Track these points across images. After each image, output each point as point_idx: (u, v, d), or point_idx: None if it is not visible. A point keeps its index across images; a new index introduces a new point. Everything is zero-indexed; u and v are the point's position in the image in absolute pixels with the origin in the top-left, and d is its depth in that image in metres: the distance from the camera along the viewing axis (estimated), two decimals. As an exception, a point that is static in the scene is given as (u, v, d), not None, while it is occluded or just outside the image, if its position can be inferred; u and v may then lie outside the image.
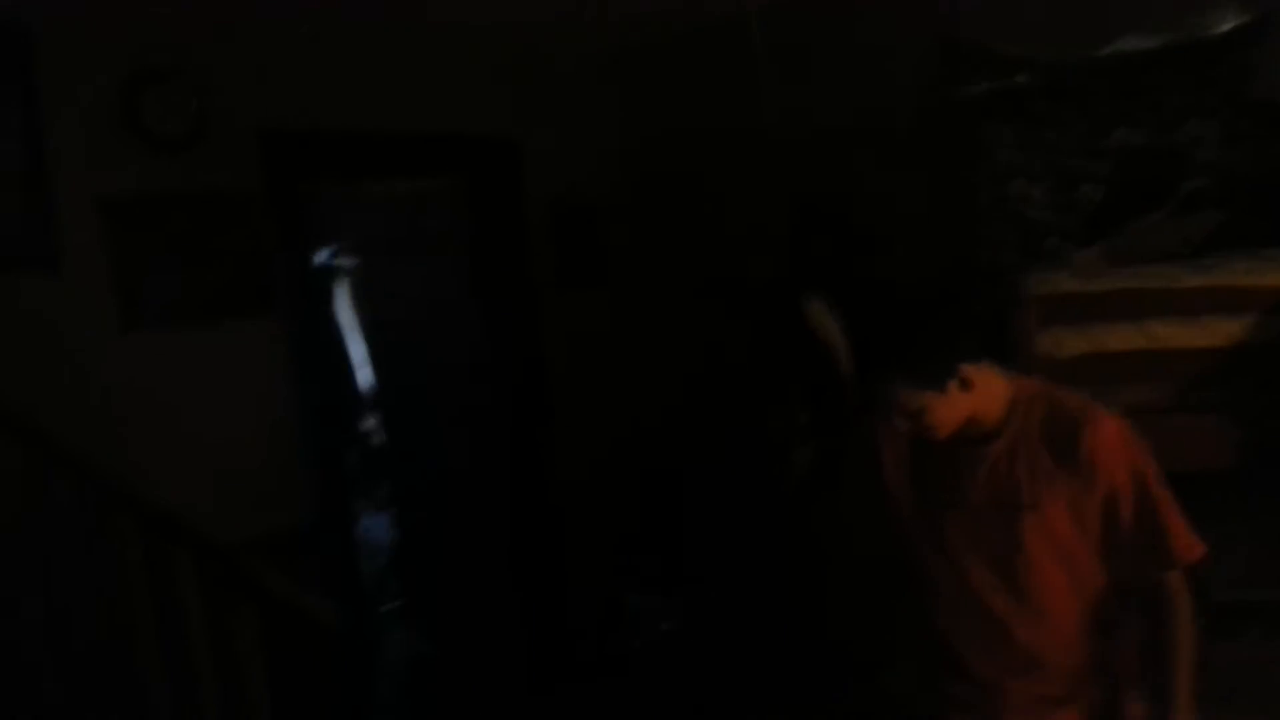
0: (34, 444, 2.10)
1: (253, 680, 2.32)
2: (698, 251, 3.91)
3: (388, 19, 3.32)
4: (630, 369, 4.02)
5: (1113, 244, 2.48)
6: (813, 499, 3.04)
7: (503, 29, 3.50)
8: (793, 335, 3.13)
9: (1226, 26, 2.78)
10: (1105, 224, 2.63)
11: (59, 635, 2.11)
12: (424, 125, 3.62)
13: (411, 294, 4.48)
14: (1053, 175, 3.16)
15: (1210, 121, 2.82)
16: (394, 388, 4.73)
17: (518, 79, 3.85)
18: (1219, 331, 2.13)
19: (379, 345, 4.89)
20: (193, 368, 3.00)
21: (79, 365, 2.77)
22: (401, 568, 4.73)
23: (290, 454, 3.19)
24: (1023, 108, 3.17)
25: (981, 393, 1.67)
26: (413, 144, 3.67)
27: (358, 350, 5.13)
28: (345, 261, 5.10)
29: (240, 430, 3.07)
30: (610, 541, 3.87)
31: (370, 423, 5.12)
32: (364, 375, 5.11)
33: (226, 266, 3.10)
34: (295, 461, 3.19)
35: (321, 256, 4.90)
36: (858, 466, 1.92)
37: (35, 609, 2.12)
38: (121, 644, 2.21)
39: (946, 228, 3.30)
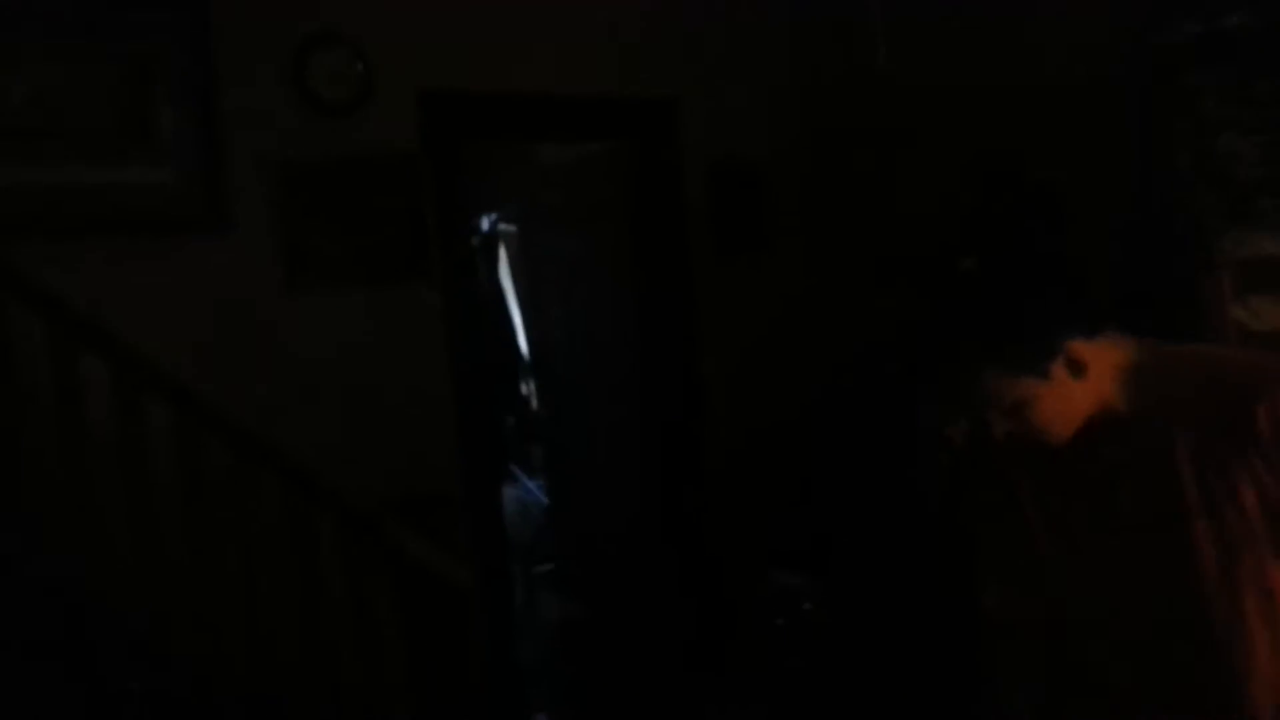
0: (186, 404, 2.20)
1: (389, 639, 2.40)
2: (866, 218, 3.74)
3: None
4: (788, 342, 3.90)
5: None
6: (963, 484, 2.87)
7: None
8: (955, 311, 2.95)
9: None
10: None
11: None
12: (583, 88, 3.60)
13: (569, 262, 4.50)
14: (1268, 129, 2.84)
15: None
16: (552, 355, 4.79)
17: (677, 35, 3.77)
18: None
19: (537, 313, 4.95)
20: (354, 330, 3.09)
21: (245, 326, 2.91)
22: (554, 532, 4.80)
23: (447, 418, 3.25)
24: (1235, 53, 2.86)
25: (1102, 375, 1.33)
26: (571, 106, 3.66)
27: (515, 317, 5.22)
28: (506, 228, 5.18)
29: (399, 394, 3.15)
30: (760, 518, 3.78)
31: (527, 388, 5.21)
32: (521, 341, 5.20)
33: (389, 230, 3.18)
34: (452, 425, 3.26)
35: (482, 223, 5.01)
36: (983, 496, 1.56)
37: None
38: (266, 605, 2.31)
39: (1145, 191, 3.03)
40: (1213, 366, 1.36)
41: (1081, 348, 1.30)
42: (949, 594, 3.15)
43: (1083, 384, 1.31)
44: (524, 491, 5.48)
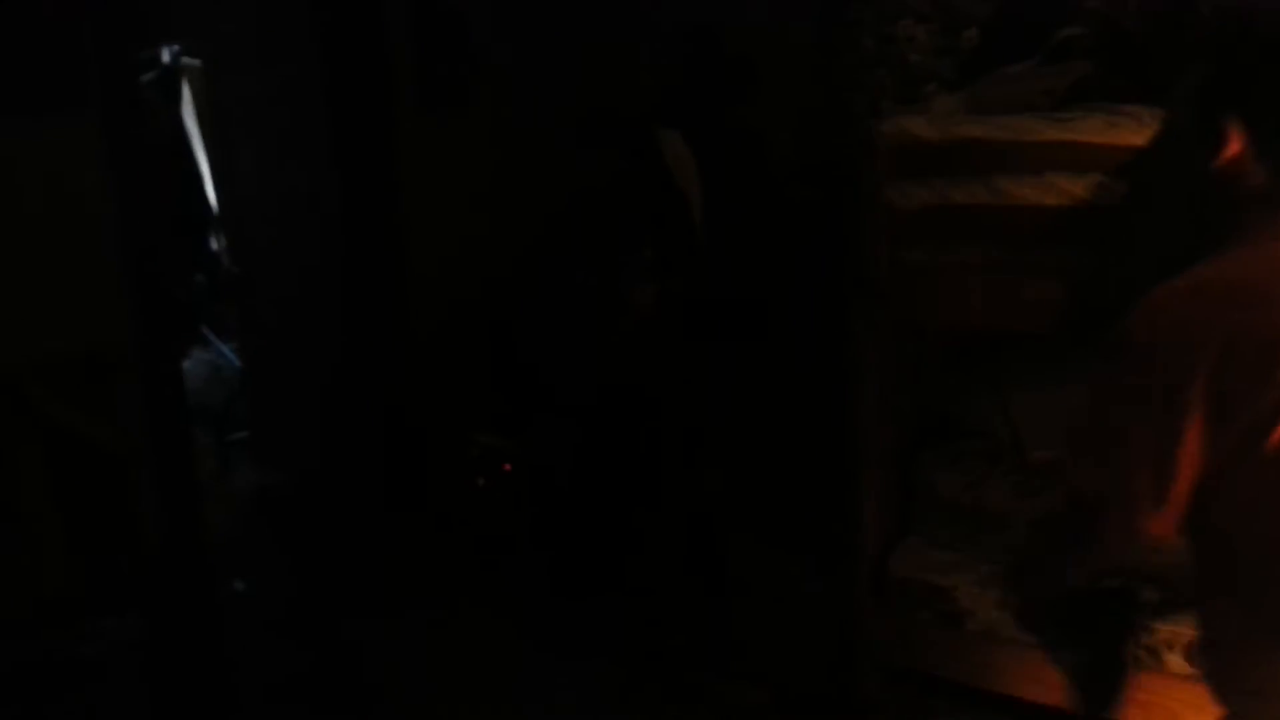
0: None
1: (46, 512, 2.28)
2: (570, 75, 3.74)
3: None
4: (497, 200, 3.89)
5: (976, 91, 2.44)
6: (653, 341, 3.06)
7: None
8: (650, 172, 3.07)
9: None
10: (977, 70, 2.57)
11: None
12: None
13: (261, 105, 4.22)
14: (940, 15, 3.08)
15: (1102, -33, 2.76)
16: (244, 208, 4.51)
17: None
18: (1064, 190, 2.12)
19: (227, 161, 4.63)
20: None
21: None
22: (249, 398, 4.63)
23: (112, 274, 3.02)
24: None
25: None
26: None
27: (203, 164, 4.86)
28: (190, 62, 4.77)
29: (49, 245, 2.88)
30: (465, 382, 3.84)
31: (218, 244, 4.92)
32: (211, 192, 4.86)
33: (44, 57, 2.84)
34: (115, 283, 3.03)
35: (162, 54, 4.58)
36: None
37: None
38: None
39: (830, 70, 3.22)
40: None
41: None
42: (639, 455, 3.39)
43: None
44: (216, 355, 5.23)
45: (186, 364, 4.57)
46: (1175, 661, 2.23)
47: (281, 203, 4.26)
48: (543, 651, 3.06)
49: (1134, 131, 2.11)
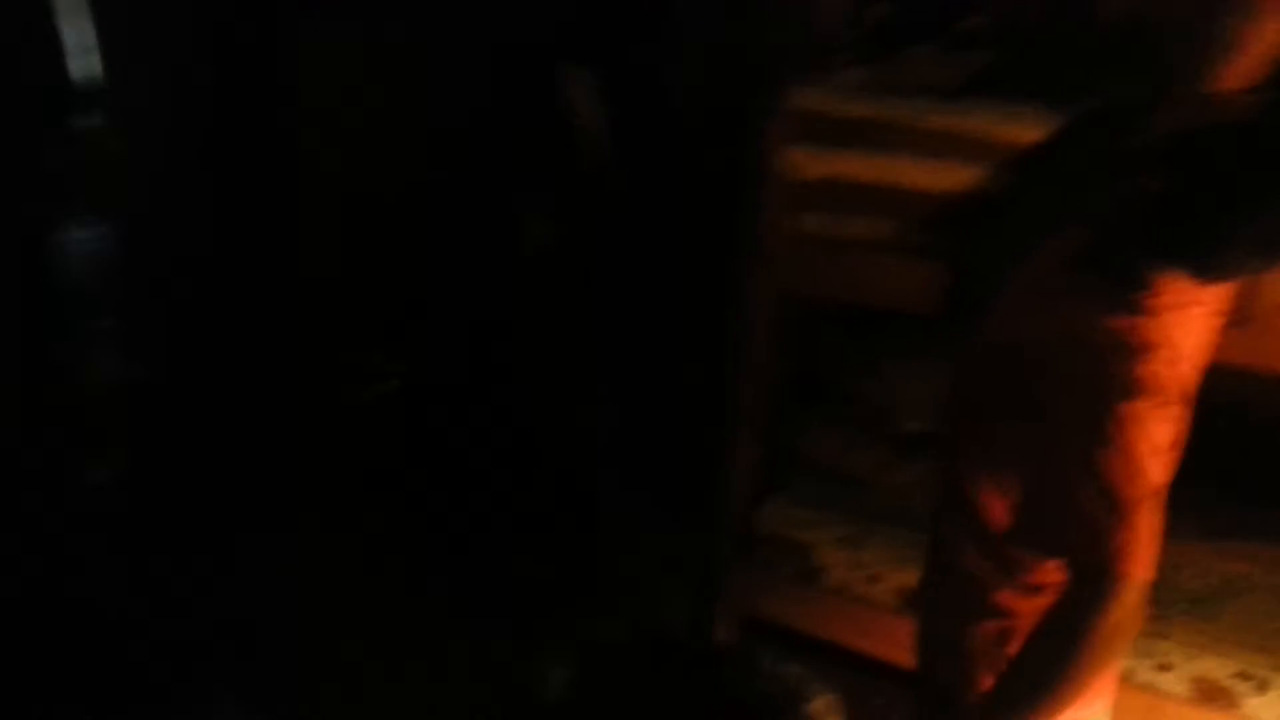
0: None
1: None
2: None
3: None
4: (384, 110, 3.81)
5: (881, 69, 2.52)
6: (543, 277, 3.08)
7: None
8: (551, 109, 3.07)
9: None
10: (881, 47, 2.66)
11: None
12: None
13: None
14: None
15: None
16: (117, 80, 4.29)
17: None
18: (953, 177, 2.23)
19: (111, 34, 4.38)
20: None
21: None
22: (115, 285, 4.48)
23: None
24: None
25: None
26: None
27: (72, 32, 4.59)
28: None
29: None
30: (347, 293, 3.81)
31: (88, 121, 4.67)
32: (84, 63, 4.60)
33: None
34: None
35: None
36: None
37: None
38: None
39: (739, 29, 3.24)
40: None
41: None
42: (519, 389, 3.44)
43: None
44: (75, 240, 5.01)
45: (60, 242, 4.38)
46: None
47: (153, 73, 4.08)
48: (391, 575, 3.11)
49: (1025, 128, 2.22)
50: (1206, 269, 1.28)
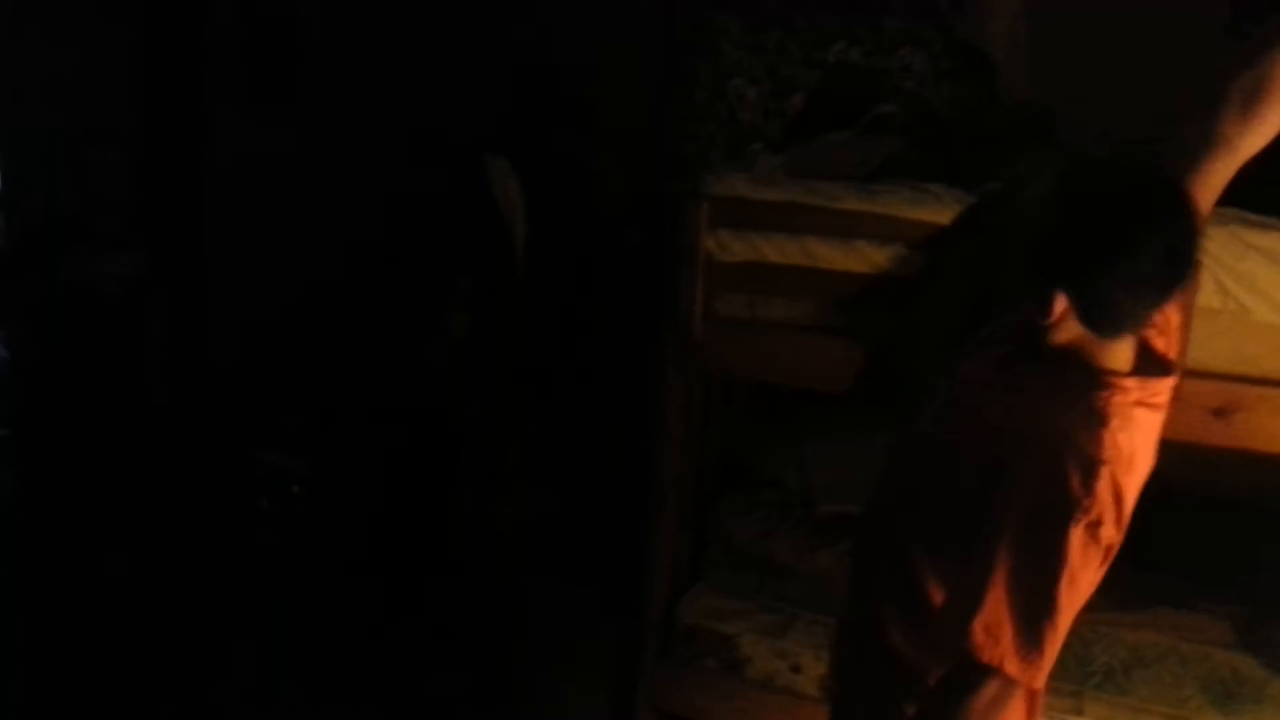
0: None
1: None
2: (400, 90, 3.75)
3: None
4: (313, 208, 3.83)
5: (797, 155, 2.61)
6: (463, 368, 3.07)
7: None
8: (473, 197, 3.11)
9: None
10: (800, 135, 2.76)
11: None
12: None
13: (67, 71, 4.00)
14: (770, 79, 3.28)
15: (921, 52, 3.02)
16: (32, 186, 4.24)
17: None
18: (869, 258, 2.29)
19: (17, 133, 4.35)
20: None
21: None
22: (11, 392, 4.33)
23: None
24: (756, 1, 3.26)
25: None
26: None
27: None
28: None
29: None
30: (256, 392, 3.73)
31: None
32: None
33: None
34: None
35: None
36: None
37: None
38: None
39: (662, 118, 3.36)
40: None
41: None
42: (440, 482, 3.38)
43: None
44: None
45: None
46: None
47: (69, 175, 4.04)
48: (310, 689, 2.98)
49: (936, 209, 2.31)
50: (1095, 303, 1.32)
